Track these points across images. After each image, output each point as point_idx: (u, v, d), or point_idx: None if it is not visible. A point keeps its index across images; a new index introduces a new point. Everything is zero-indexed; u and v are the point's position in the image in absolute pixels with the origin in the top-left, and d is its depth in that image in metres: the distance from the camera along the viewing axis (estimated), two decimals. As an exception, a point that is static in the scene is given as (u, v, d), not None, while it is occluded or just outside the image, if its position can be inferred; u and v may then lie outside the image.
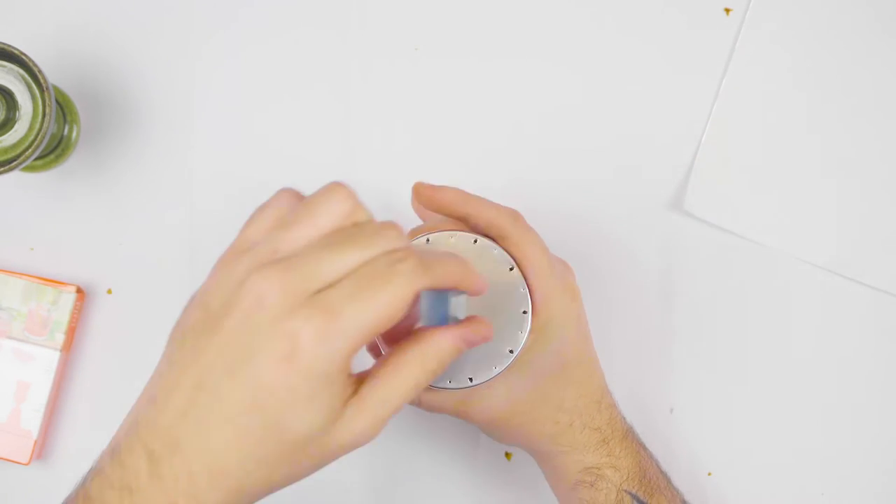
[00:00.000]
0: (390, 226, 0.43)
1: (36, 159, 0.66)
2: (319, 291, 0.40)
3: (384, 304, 0.40)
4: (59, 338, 0.67)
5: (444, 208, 0.55)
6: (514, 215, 0.55)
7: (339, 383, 0.41)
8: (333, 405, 0.41)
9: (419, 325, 0.42)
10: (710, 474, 0.69)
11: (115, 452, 0.42)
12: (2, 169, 0.60)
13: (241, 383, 0.40)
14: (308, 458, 0.42)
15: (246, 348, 0.40)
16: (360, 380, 0.43)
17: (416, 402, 0.57)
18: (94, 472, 0.43)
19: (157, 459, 0.41)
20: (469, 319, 0.45)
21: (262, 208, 0.45)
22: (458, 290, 0.45)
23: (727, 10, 0.70)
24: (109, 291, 0.69)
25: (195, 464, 0.40)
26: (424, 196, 0.55)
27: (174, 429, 0.41)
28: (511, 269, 0.53)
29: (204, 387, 0.41)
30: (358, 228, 0.43)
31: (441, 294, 0.42)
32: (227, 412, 0.40)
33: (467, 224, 0.55)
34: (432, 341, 0.43)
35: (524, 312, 0.53)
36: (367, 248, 0.42)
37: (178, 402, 0.41)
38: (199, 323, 0.42)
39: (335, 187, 0.43)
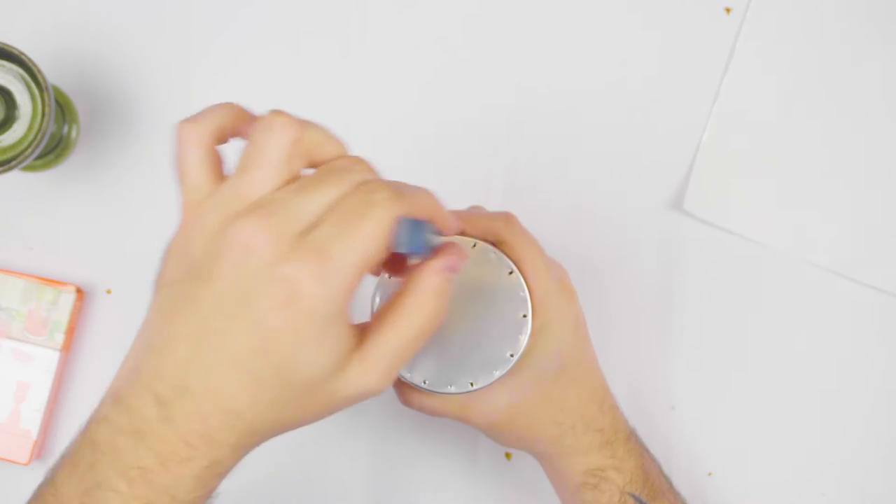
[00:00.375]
0: (358, 160, 0.43)
1: (35, 159, 0.66)
2: (304, 233, 0.40)
3: (370, 236, 0.40)
4: (59, 338, 0.67)
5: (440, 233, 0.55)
6: (508, 218, 0.55)
7: (342, 326, 0.41)
8: (339, 349, 0.41)
9: (398, 251, 0.42)
10: (710, 474, 0.69)
11: (118, 399, 0.42)
12: (1, 168, 0.60)
13: (246, 328, 0.40)
14: (316, 404, 0.42)
15: (243, 295, 0.40)
16: (363, 331, 0.43)
17: (418, 407, 0.57)
18: (97, 420, 0.43)
19: (166, 403, 0.41)
20: (443, 247, 0.45)
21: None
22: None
23: (727, 10, 0.70)
24: (109, 291, 0.69)
25: (206, 405, 0.41)
26: None
27: (181, 374, 0.41)
28: (510, 272, 0.53)
29: (208, 333, 0.41)
30: (328, 168, 0.43)
31: (418, 221, 0.42)
32: (235, 356, 0.41)
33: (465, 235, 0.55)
34: (421, 282, 0.43)
35: (524, 316, 0.53)
36: (339, 183, 0.42)
37: (182, 349, 0.41)
38: (183, 274, 0.42)
39: (271, 118, 0.43)
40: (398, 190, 0.42)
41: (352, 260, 0.40)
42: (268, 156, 0.42)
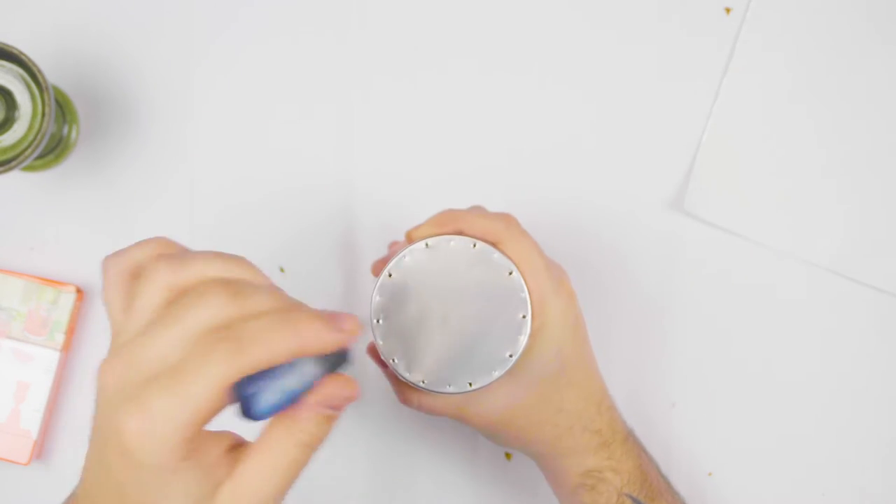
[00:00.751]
0: (212, 287, 0.40)
1: (35, 159, 0.66)
2: (147, 378, 0.39)
3: (195, 399, 0.38)
4: (59, 338, 0.67)
5: (438, 231, 0.55)
6: (507, 220, 0.55)
7: (189, 470, 0.39)
8: (193, 492, 0.40)
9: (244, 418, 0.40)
10: (710, 474, 0.69)
11: None
12: (1, 169, 0.60)
13: (106, 471, 0.41)
14: None
15: (101, 438, 0.41)
16: (238, 455, 0.41)
17: (416, 406, 0.57)
18: None
19: None
20: (325, 380, 0.40)
21: None
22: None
23: (727, 10, 0.70)
24: (109, 291, 0.69)
25: None
26: (417, 236, 0.55)
27: (82, 501, 0.44)
28: (510, 273, 0.53)
29: (96, 470, 0.42)
30: (179, 303, 0.40)
31: (262, 383, 0.39)
32: (106, 495, 0.41)
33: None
34: (296, 417, 0.40)
35: (523, 317, 0.53)
36: (184, 320, 0.39)
37: (84, 478, 0.43)
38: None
39: (153, 265, 0.42)
40: (241, 345, 0.38)
41: (175, 419, 0.38)
42: (138, 304, 0.41)
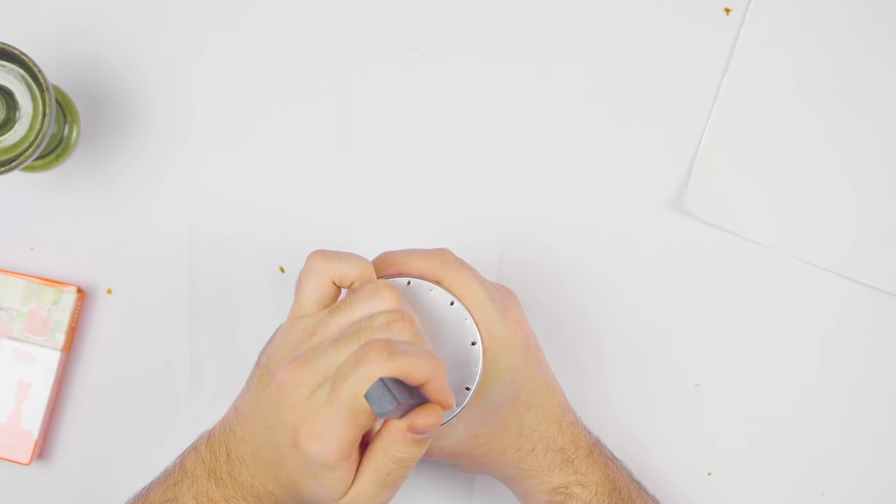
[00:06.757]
0: (401, 322, 0.49)
1: (36, 159, 0.66)
2: (319, 384, 0.48)
3: (350, 399, 0.47)
4: (60, 338, 0.67)
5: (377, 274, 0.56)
6: (442, 257, 0.55)
7: (342, 469, 0.48)
8: (338, 485, 0.49)
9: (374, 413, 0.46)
10: (710, 474, 0.69)
11: (210, 439, 0.54)
12: (2, 169, 0.60)
13: (270, 442, 0.50)
14: None
15: (275, 418, 0.50)
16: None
17: None
18: (193, 447, 0.55)
19: (233, 462, 0.53)
20: (419, 407, 0.48)
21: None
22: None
23: (727, 10, 0.70)
24: (109, 291, 0.69)
25: (253, 479, 0.52)
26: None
27: (242, 448, 0.53)
28: (452, 303, 0.53)
29: (258, 429, 0.52)
30: (360, 325, 0.49)
31: (392, 384, 0.45)
32: (265, 456, 0.51)
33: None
34: (386, 438, 0.48)
35: (473, 344, 0.53)
36: (355, 337, 0.48)
37: (247, 432, 0.53)
38: (272, 365, 0.53)
39: (378, 288, 0.50)
40: (392, 352, 0.46)
41: (337, 423, 0.47)
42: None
